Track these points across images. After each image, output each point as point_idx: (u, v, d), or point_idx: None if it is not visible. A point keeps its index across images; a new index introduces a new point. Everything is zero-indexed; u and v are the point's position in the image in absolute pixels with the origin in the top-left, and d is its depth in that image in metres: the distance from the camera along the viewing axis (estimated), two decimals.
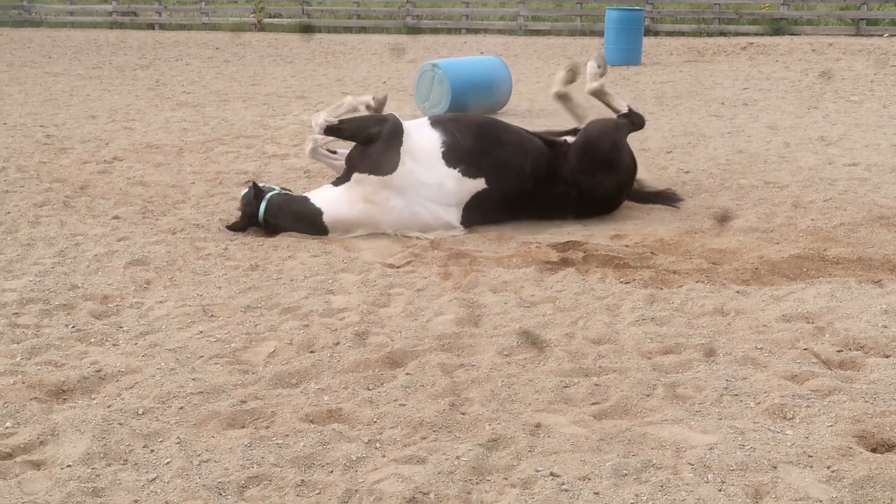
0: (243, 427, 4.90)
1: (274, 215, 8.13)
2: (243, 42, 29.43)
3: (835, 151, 11.46)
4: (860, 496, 4.08)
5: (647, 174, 9.29)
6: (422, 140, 8.20)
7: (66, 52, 26.53)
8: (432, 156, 8.17)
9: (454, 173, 8.15)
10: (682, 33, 29.24)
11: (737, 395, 5.06)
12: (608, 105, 8.74)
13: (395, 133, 8.14)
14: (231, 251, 7.80)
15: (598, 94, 8.49)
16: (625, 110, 8.75)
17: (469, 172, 8.19)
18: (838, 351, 5.57)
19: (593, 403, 5.04)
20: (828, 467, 4.31)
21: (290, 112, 15.57)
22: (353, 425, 4.87)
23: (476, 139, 8.25)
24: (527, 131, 8.63)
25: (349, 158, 8.36)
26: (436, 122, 8.39)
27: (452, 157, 8.17)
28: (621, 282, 6.91)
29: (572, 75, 8.54)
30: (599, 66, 8.41)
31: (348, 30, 33.15)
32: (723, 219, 8.02)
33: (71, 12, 37.38)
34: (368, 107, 8.57)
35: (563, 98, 8.42)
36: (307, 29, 32.93)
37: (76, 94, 18.08)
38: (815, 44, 25.11)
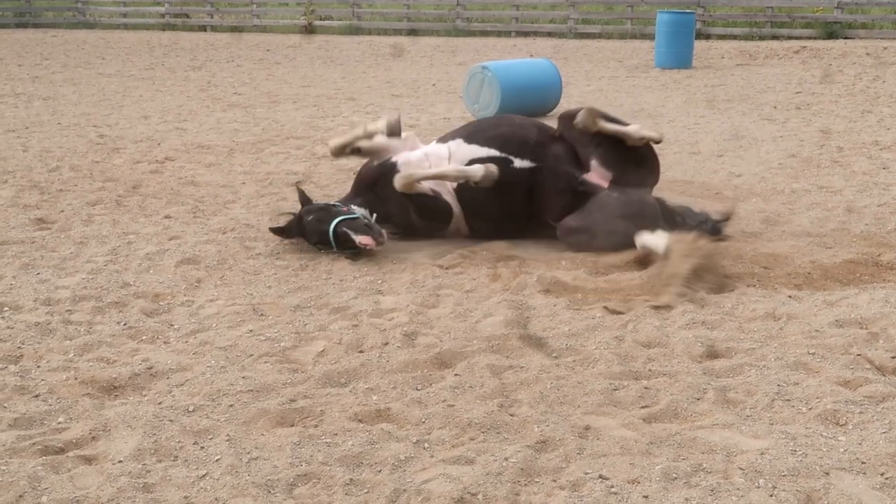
0: (292, 425, 4.92)
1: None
2: (294, 44, 29.59)
3: (889, 156, 11.32)
4: None
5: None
6: (455, 229, 8.28)
7: (119, 54, 26.81)
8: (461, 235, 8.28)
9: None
10: (733, 37, 29.02)
11: (788, 400, 5.01)
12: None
13: (440, 228, 8.22)
14: (281, 251, 7.84)
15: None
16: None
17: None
18: (892, 357, 5.49)
19: (643, 407, 5.01)
20: (881, 474, 4.26)
21: (339, 114, 15.63)
22: (402, 425, 4.87)
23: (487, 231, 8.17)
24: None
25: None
26: (462, 209, 8.15)
27: (472, 235, 8.26)
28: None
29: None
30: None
31: (398, 32, 33.22)
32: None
33: (124, 14, 37.78)
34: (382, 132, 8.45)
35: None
36: (356, 31, 33.11)
37: (129, 94, 18.27)
38: (869, 48, 24.82)
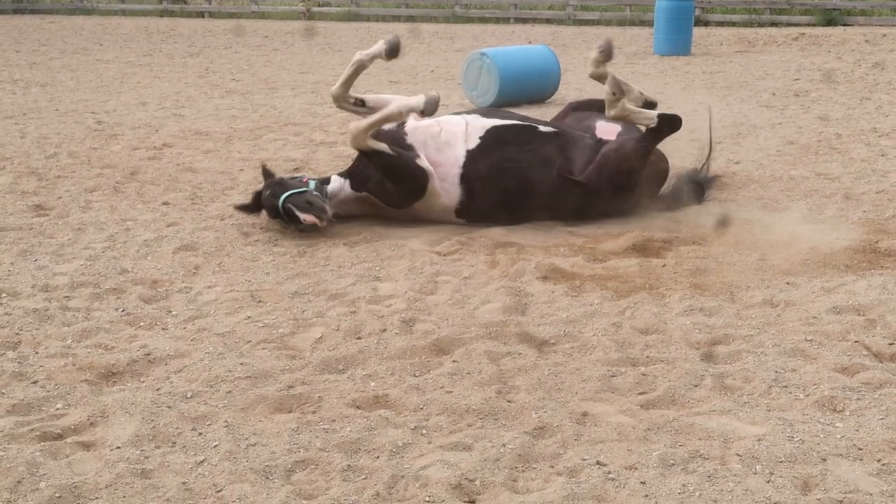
0: (290, 412, 4.93)
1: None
2: (292, 30, 29.53)
3: (887, 143, 11.31)
4: None
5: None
6: (437, 198, 8.04)
7: (116, 40, 26.74)
8: (443, 211, 8.12)
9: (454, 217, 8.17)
10: (732, 23, 29.00)
11: (786, 386, 5.02)
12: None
13: (415, 193, 8.00)
14: (279, 238, 7.84)
15: (600, 79, 8.25)
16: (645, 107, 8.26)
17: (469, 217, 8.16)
18: (889, 343, 5.50)
19: (640, 393, 5.02)
20: (878, 460, 4.27)
21: None
22: (400, 411, 4.88)
23: (496, 198, 8.02)
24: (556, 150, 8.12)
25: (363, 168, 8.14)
26: (465, 178, 7.96)
27: (462, 211, 8.12)
28: (670, 271, 6.86)
29: (606, 55, 8.23)
30: (602, 52, 8.16)
31: (396, 19, 33.17)
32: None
33: (122, 0, 37.69)
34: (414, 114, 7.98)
35: (600, 78, 8.18)
36: (355, 17, 33.07)
37: (127, 81, 18.23)
38: (868, 34, 24.78)
